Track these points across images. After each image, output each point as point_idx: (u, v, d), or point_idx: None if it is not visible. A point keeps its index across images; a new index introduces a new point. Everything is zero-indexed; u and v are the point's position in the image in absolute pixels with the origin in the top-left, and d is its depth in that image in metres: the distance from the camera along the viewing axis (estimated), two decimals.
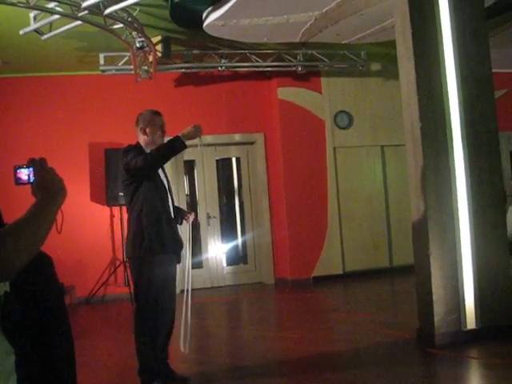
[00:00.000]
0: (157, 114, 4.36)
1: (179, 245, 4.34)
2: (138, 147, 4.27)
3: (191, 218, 4.50)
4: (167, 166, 4.50)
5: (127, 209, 4.31)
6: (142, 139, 4.31)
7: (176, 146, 4.10)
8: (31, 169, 1.54)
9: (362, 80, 9.30)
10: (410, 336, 5.04)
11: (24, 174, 1.56)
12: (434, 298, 4.72)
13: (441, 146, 4.85)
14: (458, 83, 4.90)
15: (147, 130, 4.28)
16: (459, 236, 4.82)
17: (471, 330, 4.79)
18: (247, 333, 6.23)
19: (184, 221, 4.50)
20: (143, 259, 4.12)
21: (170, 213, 4.26)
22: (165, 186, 4.27)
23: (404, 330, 5.30)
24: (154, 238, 4.10)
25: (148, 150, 4.22)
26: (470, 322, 4.80)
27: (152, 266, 4.08)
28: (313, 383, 4.15)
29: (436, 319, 4.71)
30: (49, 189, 1.48)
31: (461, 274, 4.80)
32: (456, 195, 4.83)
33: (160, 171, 4.28)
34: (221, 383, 4.37)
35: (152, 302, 4.12)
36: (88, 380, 4.33)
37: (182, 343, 4.35)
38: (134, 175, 4.12)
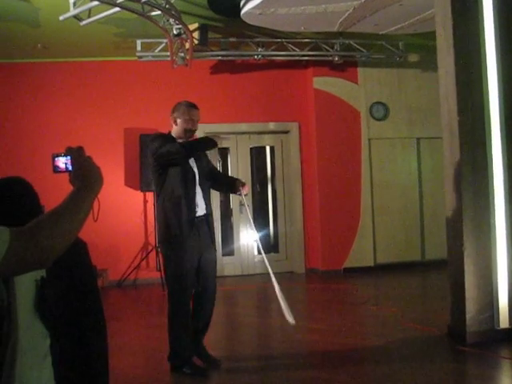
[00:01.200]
0: (191, 106, 4.35)
1: (197, 239, 4.29)
2: (166, 136, 4.36)
3: (244, 191, 4.45)
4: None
5: (156, 195, 4.47)
6: (173, 129, 4.38)
7: (207, 143, 4.21)
8: (69, 157, 1.56)
9: (399, 71, 9.18)
10: (441, 332, 4.99)
11: (62, 162, 1.58)
12: (467, 295, 4.66)
13: (479, 141, 4.76)
14: (498, 76, 4.79)
15: (178, 121, 4.33)
16: (495, 233, 4.74)
17: (504, 330, 4.71)
18: (276, 322, 6.24)
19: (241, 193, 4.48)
20: (168, 246, 4.25)
21: (191, 205, 4.24)
22: (192, 178, 4.27)
23: (434, 326, 5.24)
24: (173, 229, 4.20)
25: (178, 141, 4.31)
26: (504, 320, 4.72)
27: (176, 254, 4.18)
28: (340, 376, 4.13)
29: (468, 317, 4.65)
30: (86, 178, 1.50)
31: (495, 271, 4.72)
32: (493, 191, 4.73)
33: (193, 163, 4.31)
34: (247, 373, 4.38)
35: (178, 287, 4.20)
36: (118, 362, 4.40)
37: (287, 316, 4.32)
38: (160, 163, 4.18)
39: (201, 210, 4.32)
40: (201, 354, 4.40)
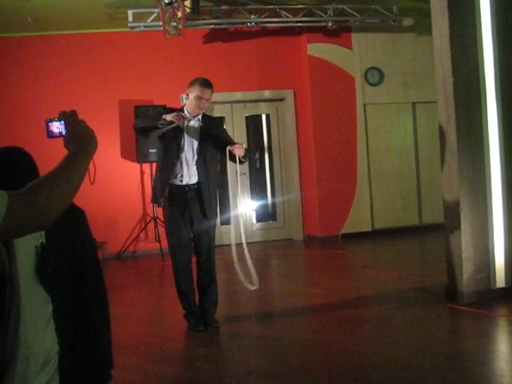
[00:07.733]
0: (204, 85, 4.41)
1: (185, 206, 4.47)
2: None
3: (236, 149, 4.36)
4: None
5: None
6: (187, 103, 4.53)
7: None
8: (62, 122, 1.56)
9: (393, 35, 9.10)
10: (439, 293, 5.05)
11: (55, 126, 1.58)
12: (464, 256, 4.70)
13: (474, 102, 4.75)
14: (493, 38, 4.76)
15: (189, 96, 4.46)
16: (490, 194, 4.76)
17: (500, 289, 4.78)
18: (276, 288, 6.31)
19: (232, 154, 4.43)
20: (163, 209, 4.62)
21: (170, 174, 4.42)
22: (177, 149, 4.39)
23: (432, 287, 5.31)
24: (158, 192, 4.51)
25: (187, 113, 4.44)
26: (500, 280, 4.78)
27: (166, 219, 4.59)
28: (340, 337, 4.19)
29: (465, 277, 4.71)
30: (80, 140, 1.50)
31: (491, 232, 4.76)
32: (489, 152, 4.74)
33: (183, 134, 4.43)
34: (247, 336, 4.44)
35: (171, 252, 4.58)
36: (120, 331, 4.45)
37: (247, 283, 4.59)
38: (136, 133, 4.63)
39: (189, 179, 4.45)
40: (205, 315, 4.60)
